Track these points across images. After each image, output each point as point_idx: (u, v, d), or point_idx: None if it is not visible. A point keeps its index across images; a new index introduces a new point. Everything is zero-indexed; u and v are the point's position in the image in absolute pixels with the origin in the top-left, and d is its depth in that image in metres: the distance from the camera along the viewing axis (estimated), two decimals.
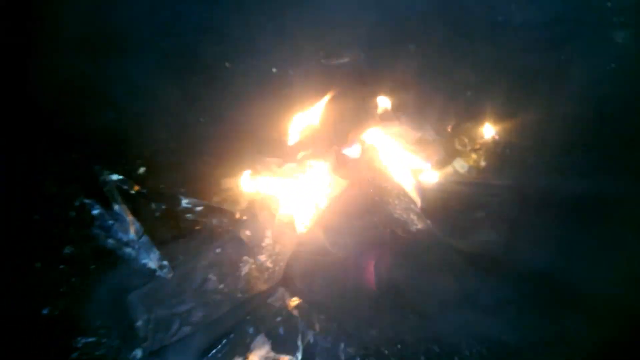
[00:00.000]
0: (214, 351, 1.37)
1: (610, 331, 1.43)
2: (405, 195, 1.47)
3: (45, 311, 1.46)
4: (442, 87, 1.93)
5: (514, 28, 2.08)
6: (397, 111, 1.76)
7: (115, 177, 1.64)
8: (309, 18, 2.00)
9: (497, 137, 1.72)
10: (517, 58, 2.02)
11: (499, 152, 1.72)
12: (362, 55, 1.89)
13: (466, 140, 1.72)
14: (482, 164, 1.68)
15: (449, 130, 1.77)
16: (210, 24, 1.95)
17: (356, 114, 1.70)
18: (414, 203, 1.47)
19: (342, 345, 1.43)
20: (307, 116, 1.78)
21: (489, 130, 1.74)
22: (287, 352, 1.36)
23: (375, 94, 1.80)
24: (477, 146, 1.72)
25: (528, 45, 2.03)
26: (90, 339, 1.43)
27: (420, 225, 1.41)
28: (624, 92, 1.96)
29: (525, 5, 2.10)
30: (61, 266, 1.53)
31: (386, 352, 1.47)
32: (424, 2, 2.06)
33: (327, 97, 1.79)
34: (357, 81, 1.84)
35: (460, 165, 1.66)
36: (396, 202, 1.44)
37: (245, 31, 1.98)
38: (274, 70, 1.97)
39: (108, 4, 1.78)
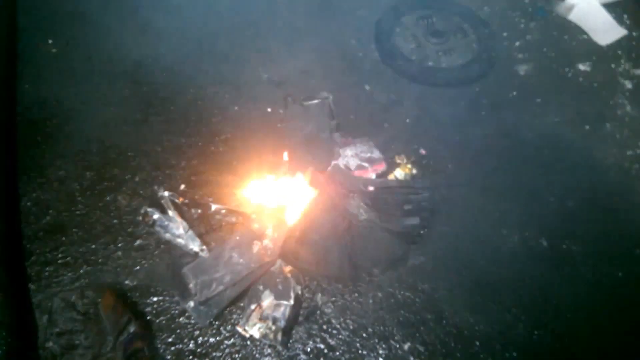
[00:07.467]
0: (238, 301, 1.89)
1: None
2: (357, 197, 2.03)
3: (127, 281, 1.93)
4: (386, 119, 2.49)
5: (440, 69, 2.65)
6: (354, 138, 2.26)
7: (167, 193, 2.06)
8: (293, 69, 2.62)
9: (423, 152, 2.30)
10: (439, 93, 2.58)
11: (424, 164, 2.25)
12: (330, 97, 2.37)
13: (403, 156, 2.27)
14: (414, 171, 2.24)
15: (391, 150, 2.29)
16: (224, 79, 2.58)
17: (325, 141, 2.28)
18: (363, 201, 2.05)
19: (319, 294, 1.93)
20: (293, 143, 2.25)
21: (417, 148, 2.31)
22: (283, 299, 1.82)
23: (337, 125, 2.31)
24: (411, 160, 2.26)
25: (449, 82, 2.58)
26: (160, 297, 1.89)
27: (366, 216, 1.99)
28: (521, 112, 2.57)
29: (449, 52, 2.71)
30: (134, 253, 2.00)
31: (348, 298, 1.94)
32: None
33: (306, 129, 2.35)
34: (326, 115, 2.34)
35: (399, 174, 2.19)
36: (351, 202, 2.00)
37: (249, 82, 2.56)
38: (269, 110, 2.47)
39: None
